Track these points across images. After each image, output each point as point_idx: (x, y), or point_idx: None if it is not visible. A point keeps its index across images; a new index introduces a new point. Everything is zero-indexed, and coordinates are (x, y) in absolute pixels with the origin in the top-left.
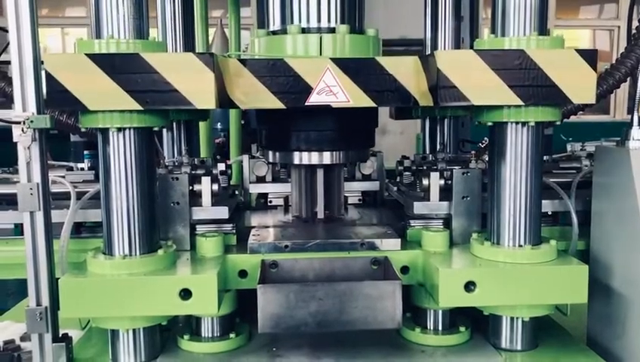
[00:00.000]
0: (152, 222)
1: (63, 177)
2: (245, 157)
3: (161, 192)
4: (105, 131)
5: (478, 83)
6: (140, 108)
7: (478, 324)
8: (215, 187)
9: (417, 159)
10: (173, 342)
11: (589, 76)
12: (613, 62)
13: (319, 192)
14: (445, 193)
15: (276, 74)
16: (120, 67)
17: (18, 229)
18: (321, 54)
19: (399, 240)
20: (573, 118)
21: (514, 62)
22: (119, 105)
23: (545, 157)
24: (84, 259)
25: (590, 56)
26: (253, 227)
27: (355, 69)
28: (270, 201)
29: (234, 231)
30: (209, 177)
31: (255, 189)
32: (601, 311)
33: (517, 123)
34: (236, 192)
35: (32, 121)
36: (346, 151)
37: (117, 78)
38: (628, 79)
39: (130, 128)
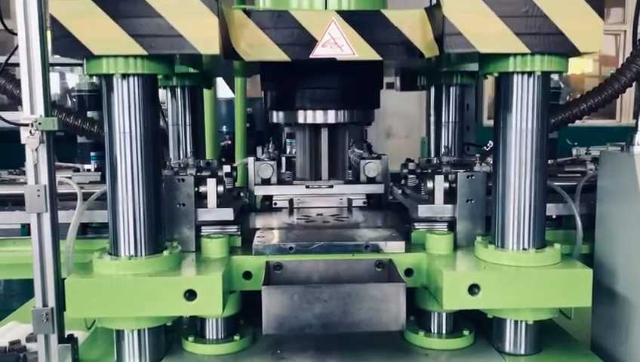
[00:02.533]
0: (157, 222)
1: (70, 178)
2: (251, 160)
3: (167, 193)
4: (109, 78)
5: (484, 30)
6: (145, 53)
7: (481, 328)
8: (220, 189)
9: (422, 162)
10: (178, 343)
11: (595, 24)
12: (619, 66)
13: (323, 153)
14: (450, 196)
15: (281, 26)
16: (125, 11)
17: (25, 229)
18: (326, 8)
19: (403, 242)
20: (578, 123)
21: (520, 9)
22: (124, 50)
23: (550, 161)
24: (90, 260)
25: (597, 3)
26: (258, 229)
27: (361, 21)
28: (275, 203)
29: (239, 232)
30: (214, 179)
31: (260, 191)
32: (605, 315)
33: (523, 73)
34: (241, 194)
35: (39, 123)
36: (351, 110)
37: (122, 22)
38: (634, 84)
39: (134, 75)
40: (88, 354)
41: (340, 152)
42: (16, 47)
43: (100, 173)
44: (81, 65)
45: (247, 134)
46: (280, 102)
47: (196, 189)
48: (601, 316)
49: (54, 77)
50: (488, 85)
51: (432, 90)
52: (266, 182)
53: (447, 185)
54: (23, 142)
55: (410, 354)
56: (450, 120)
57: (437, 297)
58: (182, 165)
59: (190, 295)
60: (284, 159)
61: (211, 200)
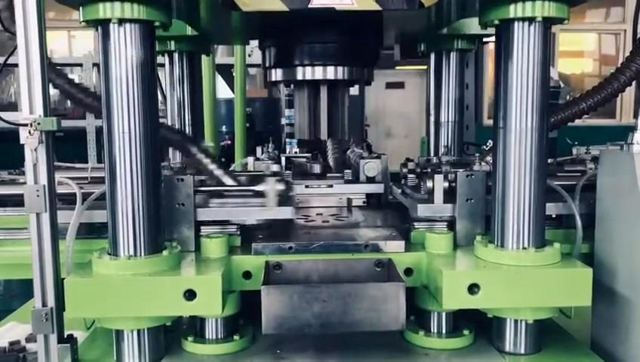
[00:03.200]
0: (157, 221)
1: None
2: (250, 160)
3: (166, 194)
4: (105, 24)
5: None
6: None
7: (481, 327)
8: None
9: (421, 162)
10: (177, 343)
11: None
12: (619, 65)
13: (322, 112)
14: (449, 195)
15: None
16: None
17: None
18: None
19: (403, 242)
20: (578, 122)
21: None
22: None
23: (549, 160)
24: (89, 260)
25: None
26: (258, 228)
27: None
28: None
29: (238, 232)
30: (274, 178)
31: None
32: (605, 315)
33: (524, 20)
34: None
35: (39, 124)
36: (350, 67)
37: None
38: (633, 83)
39: (130, 21)
40: (88, 354)
41: (340, 111)
42: (15, 47)
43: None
44: (79, 65)
45: (247, 134)
46: (278, 59)
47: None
48: (601, 315)
49: None
50: (488, 85)
51: (432, 57)
52: None
53: (446, 184)
54: (22, 142)
55: (410, 353)
56: (450, 120)
57: (437, 296)
58: (182, 166)
59: (190, 295)
60: (283, 159)
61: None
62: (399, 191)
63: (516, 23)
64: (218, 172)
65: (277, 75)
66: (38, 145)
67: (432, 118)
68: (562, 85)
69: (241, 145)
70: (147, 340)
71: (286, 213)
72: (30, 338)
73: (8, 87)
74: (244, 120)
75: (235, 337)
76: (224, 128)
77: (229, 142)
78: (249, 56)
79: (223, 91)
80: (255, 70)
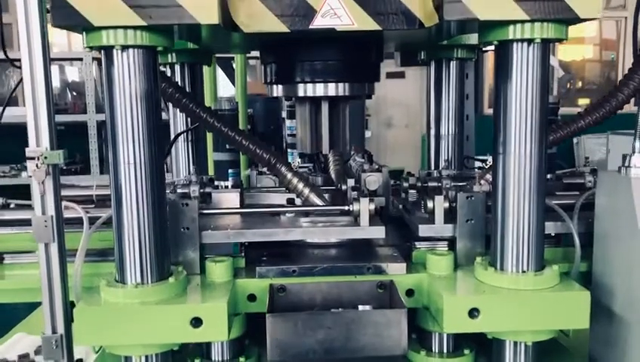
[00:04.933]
0: (163, 248)
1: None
2: (253, 173)
3: (171, 217)
4: (109, 51)
5: None
6: (144, 23)
7: (482, 346)
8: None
9: (422, 175)
10: None
11: None
12: (619, 53)
13: (324, 127)
14: (449, 214)
15: None
16: None
17: None
18: None
19: (404, 264)
20: (579, 110)
21: None
22: (123, 21)
23: (548, 176)
24: (97, 285)
25: None
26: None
27: None
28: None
29: (242, 254)
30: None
31: None
32: (603, 334)
33: (522, 41)
34: None
35: (45, 158)
36: (351, 83)
37: None
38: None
39: (134, 47)
40: None
41: (341, 126)
42: (21, 79)
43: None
44: (79, 59)
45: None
46: (279, 75)
47: (200, 212)
48: (599, 335)
49: (54, 70)
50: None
51: (432, 65)
52: None
53: (447, 204)
54: (29, 174)
55: None
56: (450, 132)
57: (437, 319)
58: (185, 182)
59: (196, 322)
60: None
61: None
62: (400, 206)
63: (515, 44)
64: (306, 191)
65: (278, 90)
66: (45, 177)
67: (432, 132)
68: (563, 73)
69: None
70: None
71: (379, 232)
72: (39, 351)
73: (8, 80)
74: (245, 122)
75: (241, 359)
76: None
77: None
78: None
79: (224, 90)
80: (255, 61)
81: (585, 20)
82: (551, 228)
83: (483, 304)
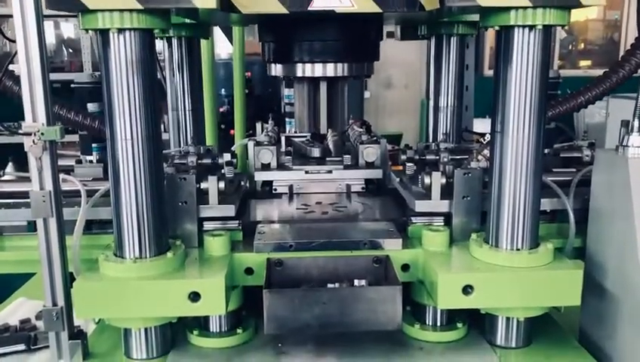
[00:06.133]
0: (161, 223)
1: (72, 169)
2: (250, 144)
3: (169, 191)
4: (105, 33)
5: None
6: (140, 7)
7: (474, 319)
8: (222, 185)
9: (420, 148)
10: (183, 335)
11: None
12: (624, 13)
13: (322, 106)
14: (446, 190)
15: None
16: None
17: (32, 226)
18: None
19: (400, 240)
20: (579, 73)
21: None
22: (119, 4)
23: (546, 150)
24: (95, 258)
25: None
26: (259, 222)
27: None
28: (275, 189)
29: (240, 227)
30: (215, 177)
31: (260, 177)
32: (594, 310)
33: (524, 27)
34: (242, 183)
35: (42, 134)
36: (350, 63)
37: None
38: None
39: (130, 30)
40: (97, 346)
41: (339, 105)
42: (15, 52)
43: (102, 165)
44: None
45: (246, 100)
46: (278, 54)
47: (198, 186)
48: (590, 310)
49: (48, 26)
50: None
51: (433, 40)
52: (265, 167)
53: (444, 180)
54: (26, 149)
55: (406, 346)
56: (449, 104)
57: (432, 294)
58: (182, 153)
59: (195, 296)
60: (283, 139)
61: (212, 198)
62: (397, 180)
63: (516, 30)
64: None
65: (277, 70)
66: (42, 153)
67: (431, 103)
68: (565, 35)
69: (241, 112)
70: (154, 336)
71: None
72: (40, 316)
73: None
74: (243, 85)
75: (239, 330)
76: (223, 91)
77: (229, 106)
78: None
79: (223, 47)
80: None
81: (588, 6)
82: (547, 204)
83: (477, 281)
